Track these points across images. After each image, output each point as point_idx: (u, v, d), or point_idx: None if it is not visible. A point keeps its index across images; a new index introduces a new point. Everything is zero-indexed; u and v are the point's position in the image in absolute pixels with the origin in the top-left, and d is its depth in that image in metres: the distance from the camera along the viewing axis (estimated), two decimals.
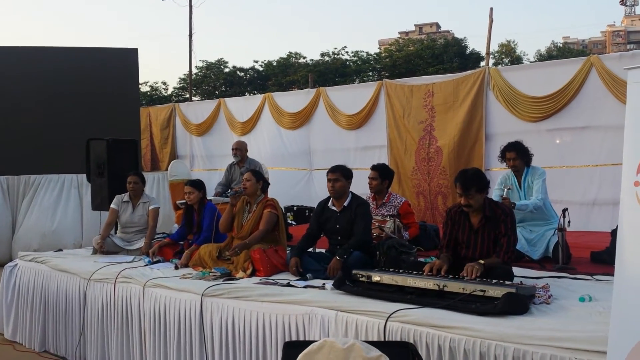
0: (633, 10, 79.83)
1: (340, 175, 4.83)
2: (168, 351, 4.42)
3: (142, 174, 6.31)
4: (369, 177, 5.90)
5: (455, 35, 48.08)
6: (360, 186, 5.78)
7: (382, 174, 5.85)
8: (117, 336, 4.85)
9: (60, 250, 6.63)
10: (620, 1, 79.13)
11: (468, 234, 4.11)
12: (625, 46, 68.80)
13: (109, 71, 10.34)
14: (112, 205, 6.18)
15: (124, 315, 4.79)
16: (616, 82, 7.22)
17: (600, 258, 5.12)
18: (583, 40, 73.33)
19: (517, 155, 5.49)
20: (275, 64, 40.02)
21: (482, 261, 3.82)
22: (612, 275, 2.40)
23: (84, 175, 7.55)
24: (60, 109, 9.80)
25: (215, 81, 39.75)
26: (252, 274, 4.63)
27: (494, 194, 5.38)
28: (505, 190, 5.32)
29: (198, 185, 5.68)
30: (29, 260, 5.98)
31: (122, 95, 10.43)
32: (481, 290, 3.35)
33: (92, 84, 10.04)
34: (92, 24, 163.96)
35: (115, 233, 6.30)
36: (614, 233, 5.20)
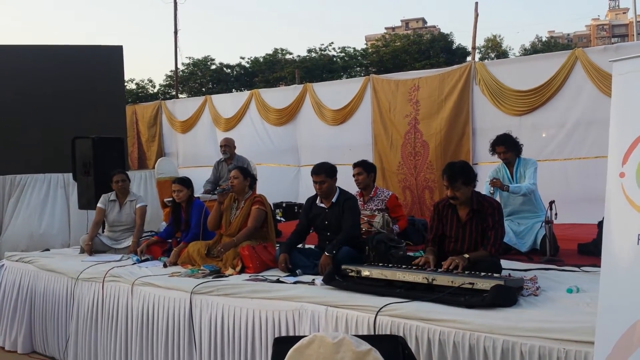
0: (617, 3, 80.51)
1: (325, 176, 4.81)
2: (157, 349, 4.41)
3: (126, 172, 6.28)
4: (354, 175, 5.90)
5: (441, 31, 48.20)
6: (347, 182, 5.78)
7: (366, 168, 5.88)
8: (106, 335, 4.82)
9: (48, 250, 6.57)
10: None
11: (456, 228, 4.12)
12: (609, 40, 69.34)
13: (94, 69, 10.24)
14: (98, 205, 6.13)
15: (113, 314, 4.76)
16: (601, 74, 7.27)
17: (587, 250, 5.18)
18: (568, 34, 73.78)
19: (507, 148, 5.58)
20: (261, 60, 39.90)
21: (466, 255, 3.85)
22: (599, 266, 2.42)
23: (70, 175, 7.48)
24: (45, 107, 9.70)
25: (201, 78, 39.56)
26: (242, 271, 4.62)
27: (485, 187, 5.42)
28: (492, 189, 5.36)
29: (186, 182, 5.66)
30: (16, 261, 5.92)
31: (108, 93, 10.35)
32: (470, 283, 3.37)
33: (77, 82, 9.95)
34: (76, 22, 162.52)
35: (103, 232, 6.26)
36: (600, 225, 5.24)
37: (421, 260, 3.92)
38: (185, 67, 38.19)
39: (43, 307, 5.47)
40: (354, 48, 40.21)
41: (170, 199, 5.96)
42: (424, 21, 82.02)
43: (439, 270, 3.73)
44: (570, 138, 7.80)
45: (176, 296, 4.30)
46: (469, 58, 33.57)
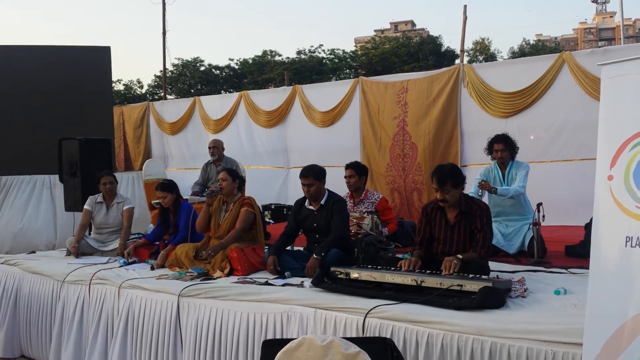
0: (604, 7, 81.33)
1: (313, 179, 4.80)
2: (144, 352, 4.36)
3: (114, 174, 6.23)
4: (345, 177, 5.88)
5: (430, 33, 48.43)
6: (336, 184, 5.76)
7: (358, 171, 5.86)
8: (93, 338, 4.76)
9: (33, 252, 6.50)
10: None
11: (445, 230, 4.13)
12: (596, 43, 70.04)
13: (82, 70, 10.15)
14: (85, 207, 6.07)
15: (100, 317, 4.71)
16: (587, 77, 7.33)
17: (575, 252, 5.21)
18: (555, 38, 74.39)
19: (505, 147, 5.60)
20: (250, 62, 39.89)
21: (460, 256, 3.85)
22: (587, 268, 2.43)
23: (57, 176, 7.41)
24: (32, 108, 9.62)
25: (190, 79, 39.47)
26: (230, 273, 4.60)
27: (473, 186, 5.43)
28: (480, 191, 5.38)
29: (169, 187, 5.57)
30: (1, 263, 5.85)
31: (95, 94, 10.26)
32: (458, 285, 3.38)
33: (64, 83, 9.86)
34: (63, 22, 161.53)
35: (90, 234, 6.20)
36: (587, 227, 5.29)
37: (405, 262, 3.90)
38: (174, 68, 38.11)
39: (28, 310, 5.40)
40: (343, 50, 40.41)
41: (158, 201, 5.92)
42: (413, 24, 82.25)
43: (429, 272, 3.73)
44: (557, 140, 7.85)
45: (163, 299, 4.26)
46: (457, 61, 33.78)
